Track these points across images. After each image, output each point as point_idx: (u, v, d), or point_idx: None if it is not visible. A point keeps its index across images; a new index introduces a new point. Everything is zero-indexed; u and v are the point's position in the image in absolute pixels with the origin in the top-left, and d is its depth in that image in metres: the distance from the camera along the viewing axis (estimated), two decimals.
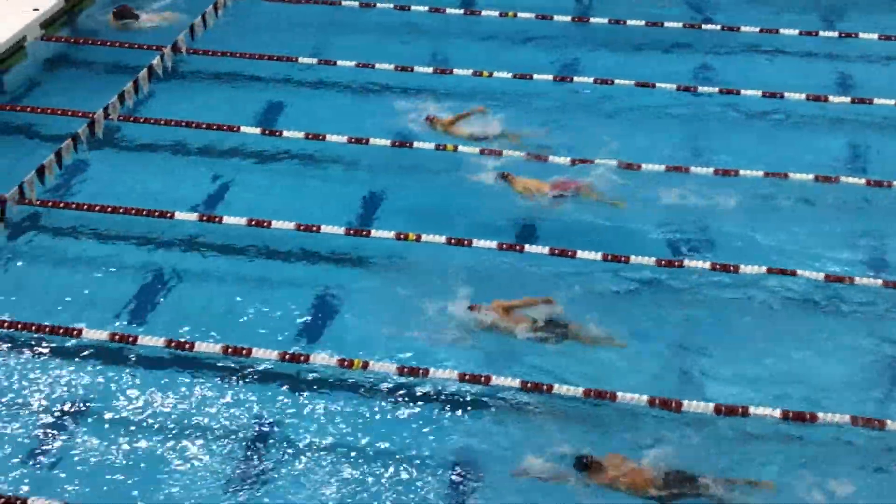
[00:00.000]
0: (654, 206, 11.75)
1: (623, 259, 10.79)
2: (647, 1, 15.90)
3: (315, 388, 9.51)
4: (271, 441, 9.03)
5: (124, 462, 8.79)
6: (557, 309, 9.98)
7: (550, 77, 13.92)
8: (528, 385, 9.33)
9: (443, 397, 9.39)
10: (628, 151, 12.49)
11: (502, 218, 11.55)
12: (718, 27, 15.06)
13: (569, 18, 15.33)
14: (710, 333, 10.17)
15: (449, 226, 11.26)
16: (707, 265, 10.73)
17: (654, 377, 9.63)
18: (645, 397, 9.21)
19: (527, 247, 10.96)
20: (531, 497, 8.50)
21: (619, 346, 9.85)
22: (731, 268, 10.68)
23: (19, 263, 10.96)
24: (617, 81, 13.71)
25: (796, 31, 14.77)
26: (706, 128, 13.23)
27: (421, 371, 9.49)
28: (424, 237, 11.02)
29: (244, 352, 9.68)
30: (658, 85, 13.65)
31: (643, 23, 15.06)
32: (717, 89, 13.68)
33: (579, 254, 10.83)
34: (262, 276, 10.79)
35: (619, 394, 9.26)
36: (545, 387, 9.31)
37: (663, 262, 10.77)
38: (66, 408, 9.28)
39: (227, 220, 11.29)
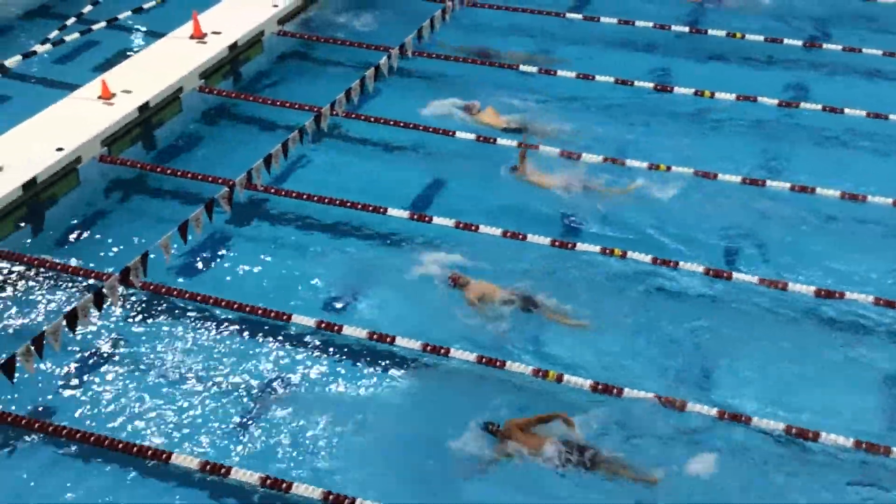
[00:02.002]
0: (877, 242, 11.29)
1: (838, 295, 10.36)
2: (888, 28, 15.23)
3: (509, 393, 9.55)
4: (465, 439, 9.12)
5: (323, 445, 9.11)
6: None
7: (775, 101, 13.50)
8: None
9: (632, 419, 9.24)
10: (854, 180, 12.02)
11: None
12: None
13: (800, 43, 14.83)
14: None
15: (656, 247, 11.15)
16: None
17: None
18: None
19: (737, 277, 10.73)
20: None
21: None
22: None
23: (241, 245, 11.53)
24: (847, 110, 13.17)
25: None
26: None
27: (615, 389, 9.40)
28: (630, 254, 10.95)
29: (442, 350, 9.85)
30: (892, 116, 13.03)
31: (880, 52, 14.41)
32: None
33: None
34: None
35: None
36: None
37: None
38: (270, 388, 9.69)
39: (436, 220, 11.52)
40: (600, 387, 9.38)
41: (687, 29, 15.34)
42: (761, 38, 14.84)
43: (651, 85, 13.96)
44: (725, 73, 14.49)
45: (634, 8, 15.80)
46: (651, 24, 15.28)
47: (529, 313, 10.30)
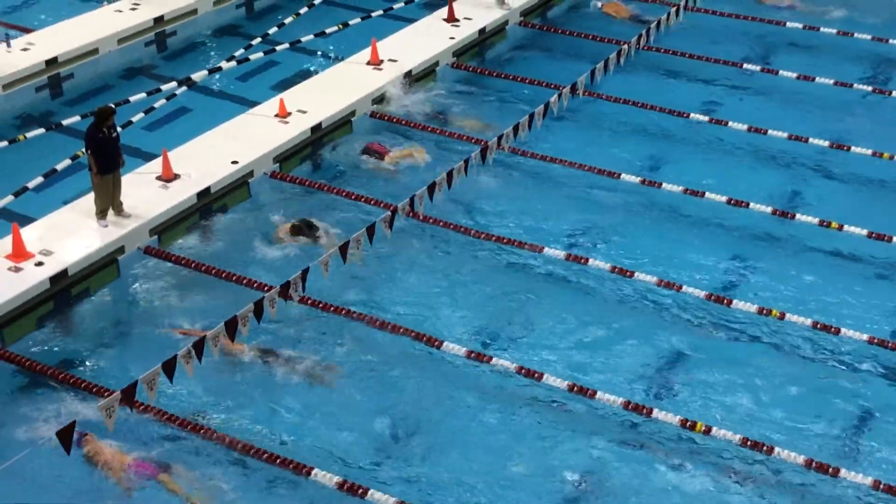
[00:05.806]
0: None
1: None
2: None
3: (653, 448, 9.44)
4: None
5: None
6: None
7: None
8: None
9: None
10: None
11: None
12: None
13: None
14: None
15: None
16: None
17: None
18: None
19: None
20: None
21: None
22: None
23: (394, 268, 11.68)
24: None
25: None
26: None
27: (765, 447, 9.11)
28: None
29: (589, 392, 9.74)
30: None
31: None
32: None
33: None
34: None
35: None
36: None
37: None
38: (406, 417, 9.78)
39: None
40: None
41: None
42: None
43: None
44: None
45: None
46: None
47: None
